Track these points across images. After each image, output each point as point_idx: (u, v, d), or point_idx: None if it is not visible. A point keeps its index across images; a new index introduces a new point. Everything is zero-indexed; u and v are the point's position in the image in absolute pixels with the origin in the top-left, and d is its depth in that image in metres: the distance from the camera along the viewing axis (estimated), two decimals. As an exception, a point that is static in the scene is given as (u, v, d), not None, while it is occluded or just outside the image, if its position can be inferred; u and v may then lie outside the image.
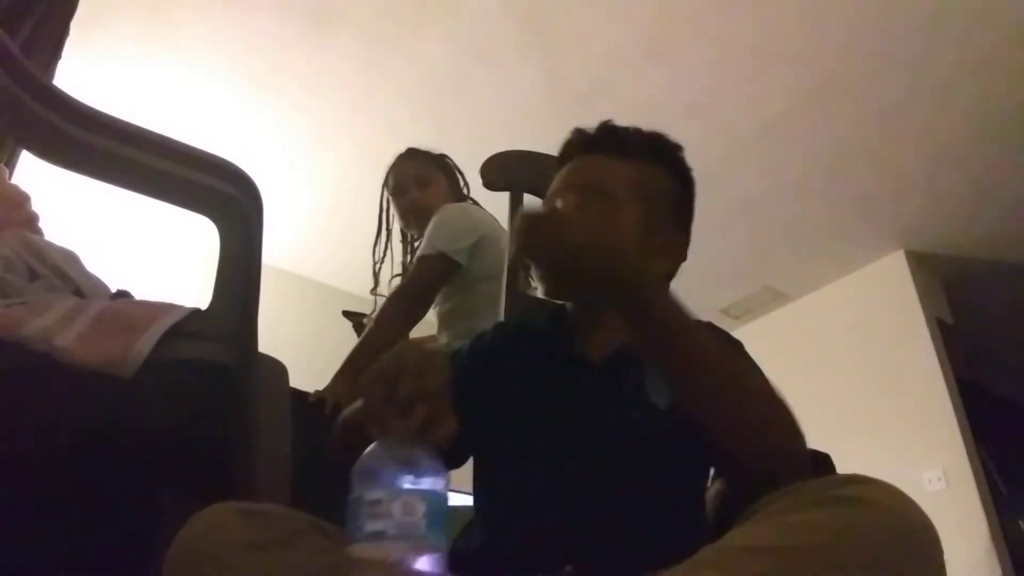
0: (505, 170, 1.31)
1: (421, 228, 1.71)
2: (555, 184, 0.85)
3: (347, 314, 1.86)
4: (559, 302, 0.87)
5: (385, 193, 1.84)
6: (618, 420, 0.74)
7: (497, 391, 0.79)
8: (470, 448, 0.79)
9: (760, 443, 0.63)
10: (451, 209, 1.70)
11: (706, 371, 0.65)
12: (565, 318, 0.86)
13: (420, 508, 0.48)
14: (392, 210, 1.83)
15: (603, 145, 0.84)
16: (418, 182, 1.76)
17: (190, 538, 0.56)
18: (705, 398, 0.65)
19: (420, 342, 0.54)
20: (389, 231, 1.86)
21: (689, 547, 0.65)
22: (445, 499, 0.50)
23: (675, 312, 0.65)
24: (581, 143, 0.86)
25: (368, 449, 0.52)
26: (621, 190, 0.80)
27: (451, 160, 1.86)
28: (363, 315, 1.83)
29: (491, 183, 1.31)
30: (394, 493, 0.48)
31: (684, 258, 0.88)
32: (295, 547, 0.56)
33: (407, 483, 0.49)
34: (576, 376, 0.78)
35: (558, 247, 0.66)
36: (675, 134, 0.87)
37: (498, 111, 2.86)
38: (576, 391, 0.77)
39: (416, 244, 1.80)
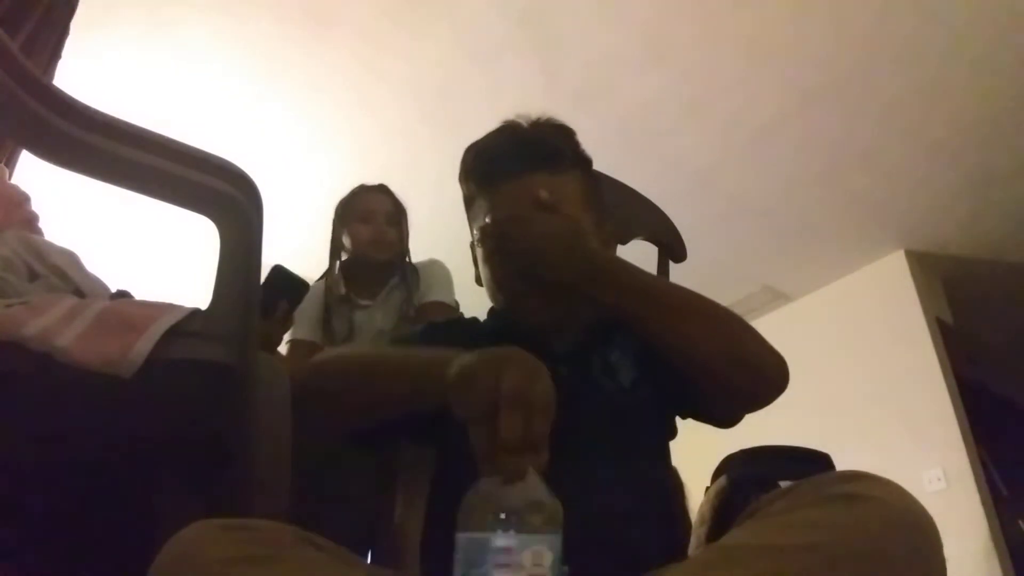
0: None
1: (376, 260, 1.73)
2: (502, 204, 0.81)
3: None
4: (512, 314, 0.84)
5: (342, 218, 1.79)
6: (594, 402, 0.77)
7: None
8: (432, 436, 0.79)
9: (742, 355, 0.71)
10: (447, 269, 1.77)
11: (682, 308, 0.73)
12: (510, 319, 0.84)
13: (548, 558, 0.45)
14: (345, 233, 1.78)
15: (540, 162, 0.82)
16: (388, 219, 1.76)
17: (171, 559, 0.54)
18: (688, 332, 0.71)
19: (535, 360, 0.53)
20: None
21: (668, 527, 0.75)
22: (561, 542, 0.47)
23: (642, 273, 0.74)
24: (512, 159, 0.82)
25: (484, 486, 0.48)
26: (574, 209, 0.80)
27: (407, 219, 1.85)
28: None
29: None
30: (525, 541, 0.45)
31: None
32: (282, 560, 0.55)
33: (535, 529, 0.46)
34: (550, 369, 0.79)
35: (536, 240, 0.73)
36: (674, 134, 0.88)
37: (496, 111, 2.85)
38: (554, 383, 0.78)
39: (342, 264, 1.77)
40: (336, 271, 1.78)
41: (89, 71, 2.67)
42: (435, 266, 1.78)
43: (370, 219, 1.76)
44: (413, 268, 1.77)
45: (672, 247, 1.29)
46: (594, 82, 2.77)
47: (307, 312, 1.68)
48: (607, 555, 0.66)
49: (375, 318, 1.72)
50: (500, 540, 0.45)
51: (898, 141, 3.03)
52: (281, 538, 0.57)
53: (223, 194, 0.88)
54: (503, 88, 2.81)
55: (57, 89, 0.83)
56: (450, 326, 0.90)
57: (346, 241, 1.78)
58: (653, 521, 0.73)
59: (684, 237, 1.25)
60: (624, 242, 1.22)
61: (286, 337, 1.62)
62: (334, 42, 2.64)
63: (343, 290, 1.74)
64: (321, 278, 1.81)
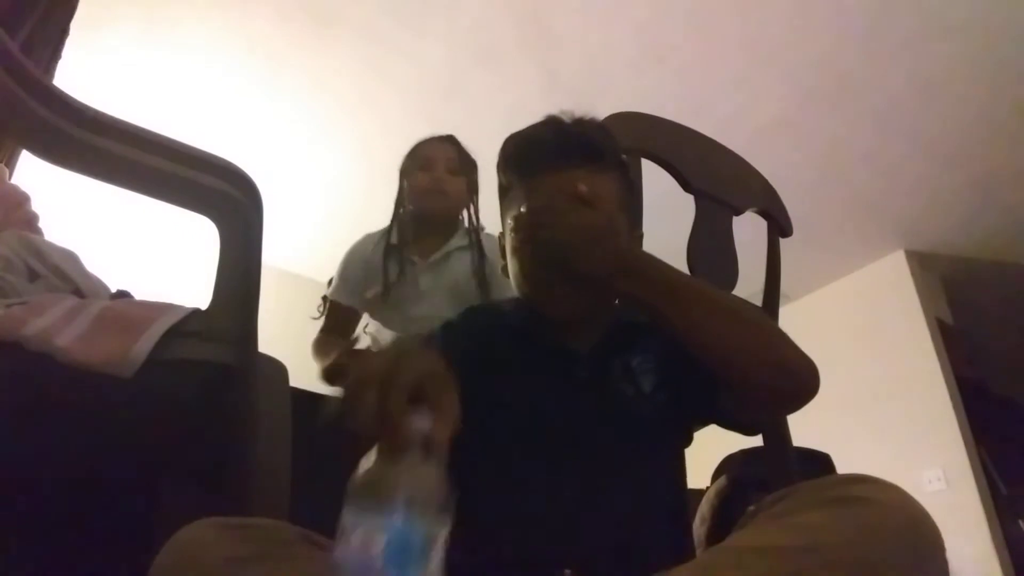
0: (624, 131, 1.12)
1: (431, 209, 1.62)
2: (540, 194, 0.81)
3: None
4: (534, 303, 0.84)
5: (404, 168, 1.69)
6: (612, 405, 0.76)
7: (488, 379, 0.78)
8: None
9: (779, 359, 0.71)
10: None
11: (713, 307, 0.73)
12: (535, 312, 0.83)
13: (378, 541, 0.44)
14: (406, 183, 1.68)
15: (580, 157, 0.82)
16: (450, 167, 1.63)
17: (171, 557, 0.54)
18: (721, 333, 0.71)
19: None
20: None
21: (676, 534, 0.74)
22: (419, 533, 0.45)
23: (673, 271, 0.74)
24: (553, 151, 0.82)
25: (371, 467, 0.47)
26: (610, 205, 0.81)
27: (476, 173, 1.70)
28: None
29: None
30: (355, 518, 0.45)
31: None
32: (281, 559, 0.55)
33: (406, 518, 0.44)
34: (567, 366, 0.79)
35: (570, 231, 0.73)
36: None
37: (497, 110, 2.86)
38: (569, 381, 0.78)
39: (404, 215, 1.66)
40: (395, 224, 1.67)
41: (89, 71, 2.67)
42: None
43: (430, 167, 1.63)
44: (483, 235, 1.63)
45: (780, 221, 1.21)
46: (594, 82, 2.77)
47: (348, 272, 1.64)
48: (615, 557, 0.66)
49: (422, 279, 1.59)
50: (344, 516, 0.45)
51: (898, 141, 3.03)
52: (282, 536, 0.57)
53: (223, 194, 0.88)
54: (504, 87, 2.81)
55: (57, 89, 0.83)
56: (470, 318, 0.88)
57: (406, 192, 1.67)
58: (663, 525, 0.73)
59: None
60: (739, 213, 1.16)
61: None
62: (335, 41, 2.64)
63: (394, 239, 1.63)
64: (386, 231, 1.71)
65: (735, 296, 0.75)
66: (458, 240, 1.62)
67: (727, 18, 2.52)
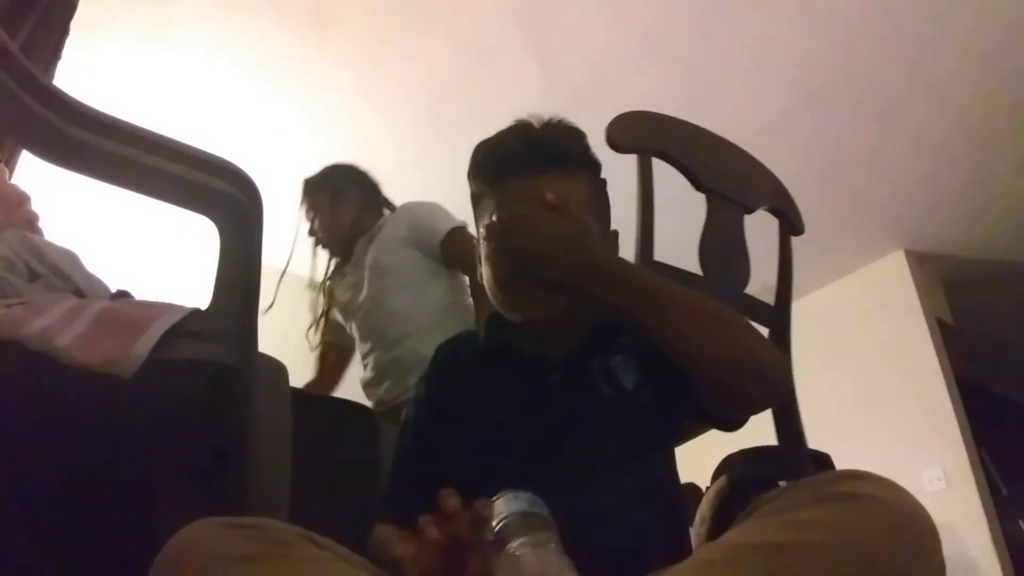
0: (634, 131, 1.11)
1: (329, 249, 1.92)
2: (509, 203, 0.81)
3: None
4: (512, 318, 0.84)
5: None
6: (591, 407, 0.76)
7: (467, 412, 0.80)
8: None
9: (746, 357, 0.71)
10: (424, 202, 1.81)
11: (684, 310, 0.73)
12: (508, 325, 0.84)
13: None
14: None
15: (549, 163, 0.82)
16: (313, 212, 1.92)
17: (171, 557, 0.54)
18: (690, 334, 0.71)
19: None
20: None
21: (671, 534, 0.74)
22: None
23: (645, 275, 0.76)
24: (521, 159, 0.83)
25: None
26: (580, 211, 0.81)
27: (350, 175, 1.91)
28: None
29: (618, 144, 1.08)
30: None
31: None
32: (281, 558, 0.54)
33: None
34: (540, 374, 0.80)
35: (540, 239, 0.74)
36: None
37: (498, 111, 2.84)
38: (543, 388, 0.79)
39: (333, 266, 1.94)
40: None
41: (89, 71, 2.67)
42: (412, 207, 1.80)
43: (309, 221, 1.94)
44: (387, 217, 1.86)
45: (791, 219, 1.21)
46: (594, 81, 2.77)
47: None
48: (607, 559, 0.66)
49: (345, 283, 1.88)
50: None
51: (899, 142, 3.03)
52: (283, 536, 0.57)
53: (223, 194, 0.88)
54: (503, 87, 2.81)
55: (57, 89, 0.83)
56: (435, 362, 0.90)
57: None
58: (656, 525, 0.72)
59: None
60: (750, 211, 1.16)
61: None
62: (336, 40, 2.64)
63: (324, 278, 1.96)
64: None
65: (707, 298, 0.75)
66: (359, 249, 1.86)
67: (729, 18, 2.52)
